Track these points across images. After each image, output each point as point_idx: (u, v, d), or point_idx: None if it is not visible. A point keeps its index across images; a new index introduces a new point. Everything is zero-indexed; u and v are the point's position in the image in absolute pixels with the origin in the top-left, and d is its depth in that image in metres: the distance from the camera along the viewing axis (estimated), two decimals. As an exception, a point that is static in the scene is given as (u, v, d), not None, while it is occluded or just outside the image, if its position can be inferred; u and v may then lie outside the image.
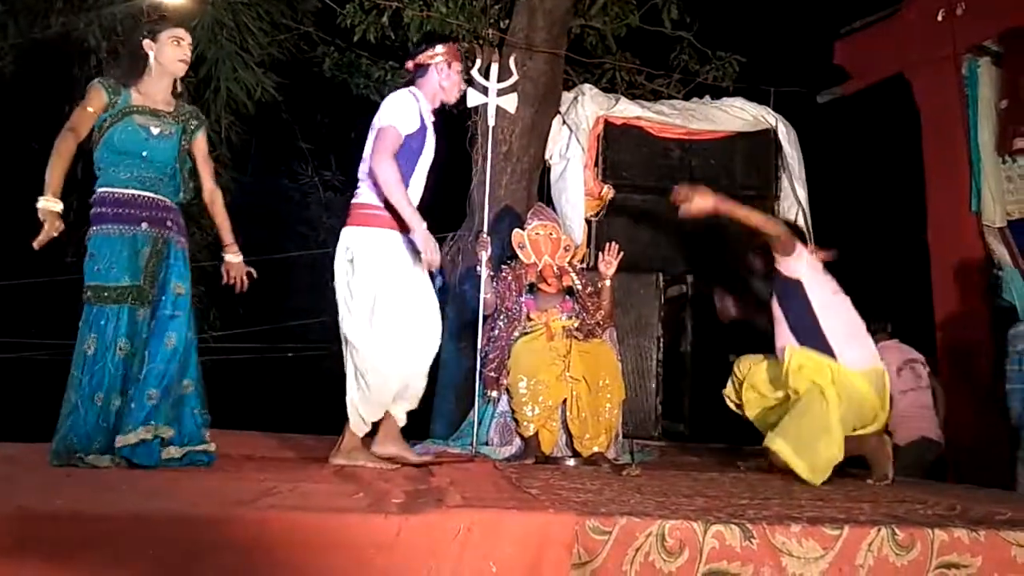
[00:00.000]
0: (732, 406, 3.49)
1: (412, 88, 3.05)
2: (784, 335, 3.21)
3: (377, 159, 2.85)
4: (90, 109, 2.76)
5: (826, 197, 5.19)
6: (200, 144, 2.96)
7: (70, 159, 2.72)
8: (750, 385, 3.41)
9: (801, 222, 4.76)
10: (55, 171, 2.69)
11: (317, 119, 7.52)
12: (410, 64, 3.14)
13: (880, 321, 4.49)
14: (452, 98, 3.14)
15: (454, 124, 5.58)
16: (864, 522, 2.04)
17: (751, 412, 3.42)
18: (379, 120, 2.93)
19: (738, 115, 4.91)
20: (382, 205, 2.89)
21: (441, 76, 3.09)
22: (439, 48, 3.10)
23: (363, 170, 2.97)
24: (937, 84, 4.71)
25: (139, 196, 2.78)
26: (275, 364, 6.16)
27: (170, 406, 2.70)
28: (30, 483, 2.24)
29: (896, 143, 5.54)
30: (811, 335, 3.12)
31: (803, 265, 3.19)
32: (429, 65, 3.09)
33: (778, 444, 3.01)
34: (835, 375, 3.07)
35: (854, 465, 3.27)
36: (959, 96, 4.61)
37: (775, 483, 2.95)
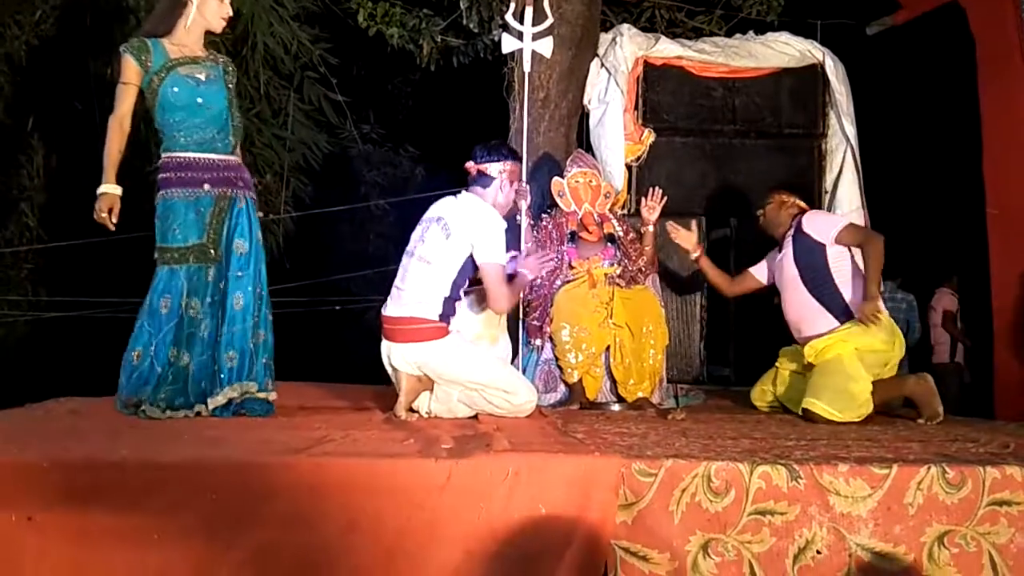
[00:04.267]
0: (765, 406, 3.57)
1: (487, 205, 3.03)
2: (799, 292, 3.37)
3: (502, 304, 2.99)
4: (125, 82, 2.80)
5: (876, 133, 5.02)
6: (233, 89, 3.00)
7: (122, 142, 2.79)
8: (780, 375, 3.51)
9: (850, 160, 4.64)
10: (108, 158, 2.77)
11: (353, 72, 7.48)
12: (473, 168, 3.09)
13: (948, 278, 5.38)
14: (502, 213, 3.11)
15: (490, 71, 5.52)
16: (913, 461, 2.03)
17: (781, 393, 3.51)
18: (482, 253, 2.92)
19: (783, 50, 4.74)
20: (437, 319, 2.91)
21: (501, 191, 3.08)
22: (508, 164, 3.08)
23: (421, 290, 2.93)
24: (993, 11, 4.48)
25: (199, 159, 2.84)
26: (321, 317, 6.27)
27: (249, 361, 2.82)
28: (96, 434, 2.34)
29: (950, 74, 5.31)
30: (826, 290, 3.31)
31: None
32: (494, 178, 3.07)
33: (813, 403, 3.06)
34: (847, 336, 3.21)
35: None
36: (1016, 22, 4.39)
37: (822, 426, 2.94)
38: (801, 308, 3.37)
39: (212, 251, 2.82)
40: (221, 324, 2.82)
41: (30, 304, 6.21)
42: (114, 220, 2.77)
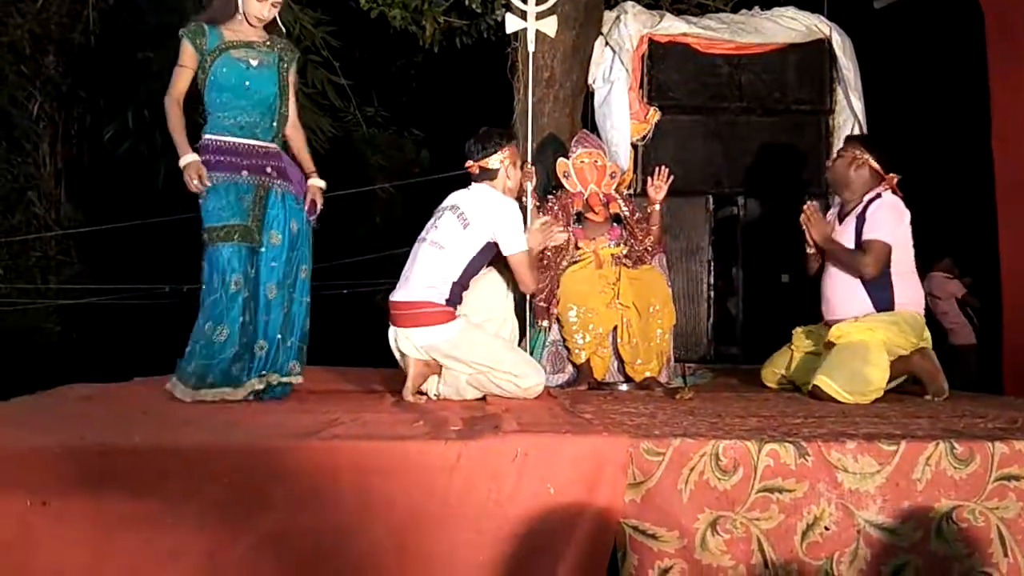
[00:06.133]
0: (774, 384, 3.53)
1: (502, 195, 3.10)
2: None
3: (531, 286, 3.19)
4: (181, 65, 2.88)
5: (884, 109, 4.98)
6: (292, 77, 3.03)
7: (181, 117, 2.85)
8: (795, 357, 3.45)
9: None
10: (176, 133, 2.84)
11: (356, 55, 7.45)
12: (475, 167, 3.14)
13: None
14: (513, 196, 3.17)
15: (493, 52, 5.48)
16: (922, 437, 2.04)
17: (794, 375, 3.45)
18: (508, 245, 3.01)
19: (790, 25, 4.70)
20: (444, 303, 2.96)
21: (509, 178, 3.15)
22: (505, 150, 3.13)
23: (431, 276, 2.98)
24: (1003, -18, 4.42)
25: (239, 144, 2.89)
26: (329, 300, 6.30)
27: (275, 351, 2.91)
28: (109, 420, 2.37)
29: (958, 48, 5.25)
30: (880, 278, 3.18)
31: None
32: (499, 169, 3.13)
33: (825, 382, 3.00)
34: (876, 325, 3.13)
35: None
36: (1027, -6, 4.33)
37: (830, 404, 2.95)
38: (843, 285, 3.25)
39: (257, 234, 2.88)
40: (255, 312, 2.88)
41: (38, 292, 6.25)
42: (205, 182, 2.80)
